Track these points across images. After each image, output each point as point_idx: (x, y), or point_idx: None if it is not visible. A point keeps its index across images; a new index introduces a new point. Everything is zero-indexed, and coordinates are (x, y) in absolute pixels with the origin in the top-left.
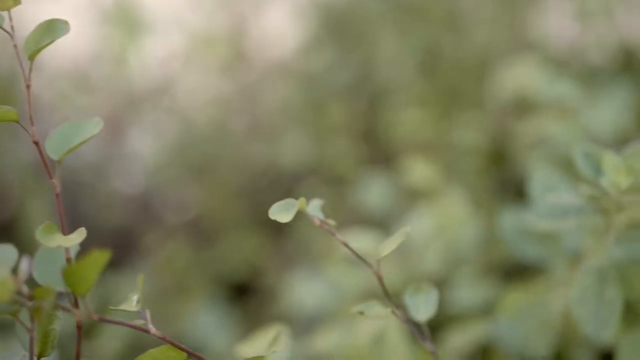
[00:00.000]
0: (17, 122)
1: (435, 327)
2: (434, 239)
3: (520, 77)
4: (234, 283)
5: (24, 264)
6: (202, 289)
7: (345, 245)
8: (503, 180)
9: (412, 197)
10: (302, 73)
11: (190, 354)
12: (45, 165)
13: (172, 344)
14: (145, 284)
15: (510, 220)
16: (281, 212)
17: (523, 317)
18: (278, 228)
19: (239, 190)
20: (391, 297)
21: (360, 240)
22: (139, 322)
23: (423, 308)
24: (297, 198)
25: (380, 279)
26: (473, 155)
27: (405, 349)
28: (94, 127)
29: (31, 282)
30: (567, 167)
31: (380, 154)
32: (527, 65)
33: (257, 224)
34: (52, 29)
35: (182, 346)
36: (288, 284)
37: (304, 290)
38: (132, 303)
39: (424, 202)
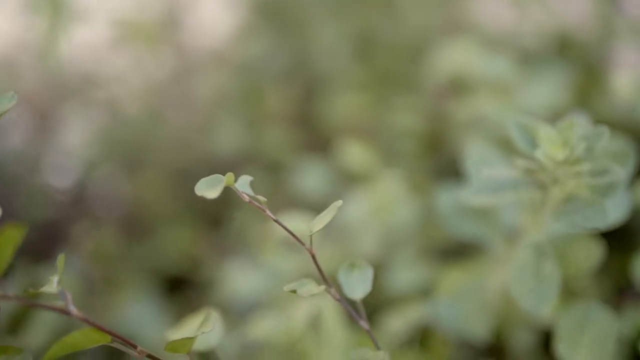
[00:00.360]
0: None
1: (374, 311)
2: (371, 221)
3: (456, 57)
4: (170, 276)
5: None
6: (135, 282)
7: (277, 221)
8: (440, 161)
9: (350, 181)
10: (236, 60)
11: (115, 337)
12: None
13: (95, 325)
14: (74, 276)
15: (446, 198)
16: (207, 188)
17: (461, 297)
18: (215, 219)
19: (174, 181)
20: (325, 276)
21: (295, 222)
22: (59, 304)
23: (358, 286)
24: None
25: (313, 256)
26: (409, 138)
27: (341, 333)
28: (9, 100)
29: None
30: (502, 144)
31: (317, 139)
32: (462, 46)
33: (193, 215)
34: None
35: (106, 328)
36: (225, 274)
37: (239, 279)
38: (52, 285)
39: (360, 186)
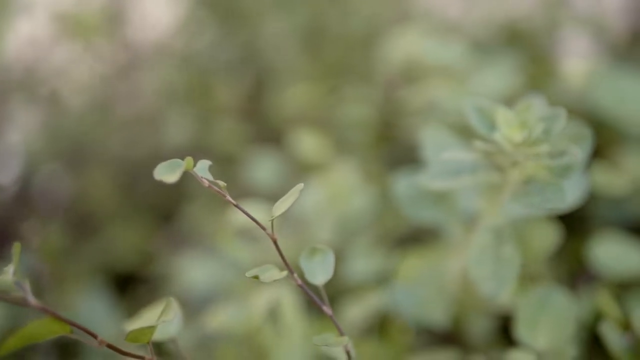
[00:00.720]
0: None
1: (332, 299)
2: (327, 211)
3: (408, 46)
4: (120, 272)
5: None
6: (85, 279)
7: (237, 207)
8: (393, 149)
9: (303, 172)
10: (182, 53)
11: (73, 326)
12: None
13: (54, 315)
14: (23, 273)
15: (404, 184)
16: (166, 172)
17: (419, 284)
18: (166, 213)
19: (123, 176)
20: (287, 261)
21: (253, 211)
22: (17, 295)
23: (320, 271)
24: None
25: (275, 241)
26: (361, 127)
27: (300, 322)
28: None
29: None
30: (457, 130)
31: (268, 132)
32: (414, 34)
33: (144, 210)
34: None
35: (65, 318)
36: (179, 267)
37: (195, 271)
38: (8, 275)
39: (314, 176)
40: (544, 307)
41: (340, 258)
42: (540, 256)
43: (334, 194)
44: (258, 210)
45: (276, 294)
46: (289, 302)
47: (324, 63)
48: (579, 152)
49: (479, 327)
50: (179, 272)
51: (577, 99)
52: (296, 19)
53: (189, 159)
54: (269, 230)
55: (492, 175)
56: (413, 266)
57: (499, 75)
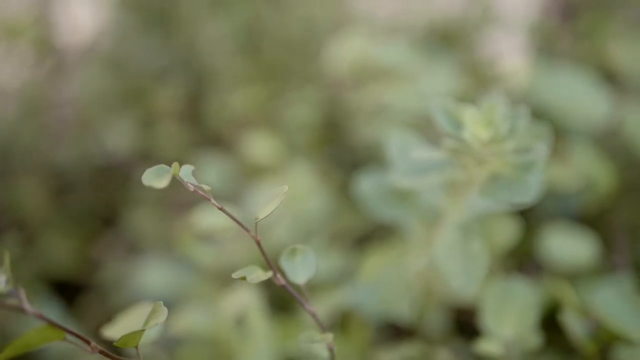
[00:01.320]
0: None
1: (292, 299)
2: (283, 213)
3: (356, 47)
4: (61, 280)
5: None
6: (29, 289)
7: (222, 209)
8: (340, 150)
9: (252, 175)
10: (114, 58)
11: (69, 333)
12: None
13: (51, 322)
14: None
15: (368, 183)
16: (155, 178)
17: (383, 281)
18: (106, 219)
19: (56, 184)
20: (270, 261)
21: (214, 216)
22: (13, 302)
23: (301, 270)
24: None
25: (258, 242)
26: (306, 129)
27: (265, 325)
28: None
29: None
30: (415, 129)
31: (211, 135)
32: (361, 36)
33: (82, 217)
34: None
35: (61, 325)
36: (131, 273)
37: (150, 276)
38: (0, 284)
39: (267, 178)
40: (509, 298)
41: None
42: (503, 250)
43: (290, 195)
44: (217, 215)
45: (241, 297)
46: (254, 305)
47: (263, 65)
48: (543, 148)
49: (437, 321)
50: (132, 278)
51: (520, 96)
52: (234, 21)
53: (176, 165)
54: (253, 232)
55: (458, 173)
56: (376, 264)
57: (444, 76)
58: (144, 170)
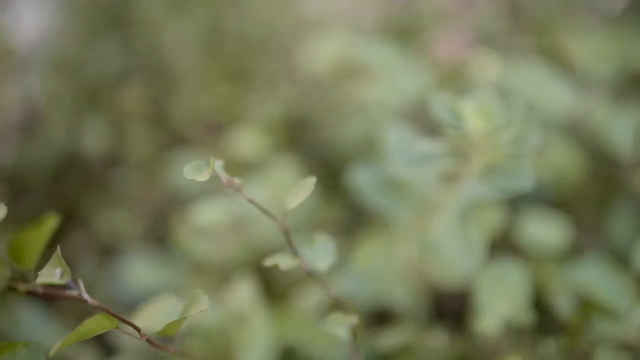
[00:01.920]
0: None
1: (286, 290)
2: (270, 208)
3: (334, 46)
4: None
5: None
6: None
7: (251, 201)
8: (314, 146)
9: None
10: (72, 62)
11: (122, 321)
12: None
13: (107, 311)
14: None
15: (365, 175)
16: (196, 173)
17: (376, 269)
18: (74, 220)
19: (20, 187)
20: (296, 250)
21: (213, 211)
22: (74, 293)
23: (322, 257)
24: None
25: (286, 232)
26: (280, 126)
27: (263, 316)
28: None
29: None
30: (398, 123)
31: (176, 137)
32: (338, 35)
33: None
34: None
35: (115, 313)
36: (110, 272)
37: (139, 272)
38: (55, 277)
39: (250, 174)
40: (503, 278)
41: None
42: (494, 235)
43: (277, 191)
44: (217, 210)
45: (244, 289)
46: (254, 296)
47: (226, 66)
48: (537, 138)
49: (423, 306)
50: (113, 276)
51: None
52: (196, 23)
53: (213, 159)
54: (281, 220)
55: (456, 163)
56: (368, 253)
57: (416, 72)
58: (115, 171)
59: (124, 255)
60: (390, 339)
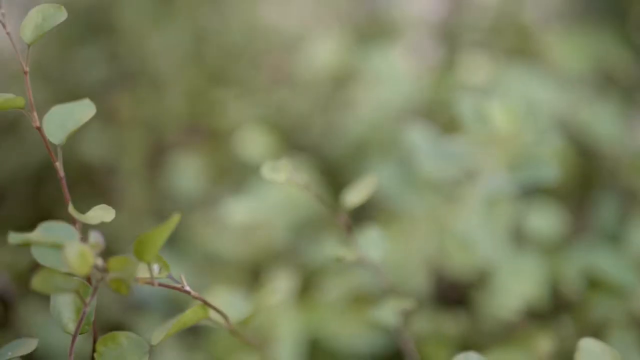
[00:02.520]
0: (23, 108)
1: (307, 281)
2: (283, 208)
3: (332, 50)
4: None
5: (97, 237)
6: None
7: (318, 197)
8: (312, 148)
9: (222, 176)
10: (51, 70)
11: (215, 311)
12: (49, 150)
13: (205, 302)
14: None
15: (388, 173)
16: (275, 173)
17: (394, 260)
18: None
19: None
20: (354, 235)
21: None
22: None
23: (376, 247)
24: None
25: (349, 227)
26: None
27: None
28: (87, 108)
29: None
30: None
31: (162, 142)
32: (336, 39)
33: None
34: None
35: (211, 304)
36: None
37: None
38: (154, 271)
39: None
40: (522, 262)
41: (302, 249)
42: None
43: (287, 191)
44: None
45: (280, 282)
46: (287, 290)
47: (210, 72)
48: (557, 135)
49: (431, 293)
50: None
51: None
52: (178, 30)
53: (286, 161)
54: (344, 217)
55: (480, 159)
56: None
57: (410, 74)
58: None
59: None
60: (416, 324)
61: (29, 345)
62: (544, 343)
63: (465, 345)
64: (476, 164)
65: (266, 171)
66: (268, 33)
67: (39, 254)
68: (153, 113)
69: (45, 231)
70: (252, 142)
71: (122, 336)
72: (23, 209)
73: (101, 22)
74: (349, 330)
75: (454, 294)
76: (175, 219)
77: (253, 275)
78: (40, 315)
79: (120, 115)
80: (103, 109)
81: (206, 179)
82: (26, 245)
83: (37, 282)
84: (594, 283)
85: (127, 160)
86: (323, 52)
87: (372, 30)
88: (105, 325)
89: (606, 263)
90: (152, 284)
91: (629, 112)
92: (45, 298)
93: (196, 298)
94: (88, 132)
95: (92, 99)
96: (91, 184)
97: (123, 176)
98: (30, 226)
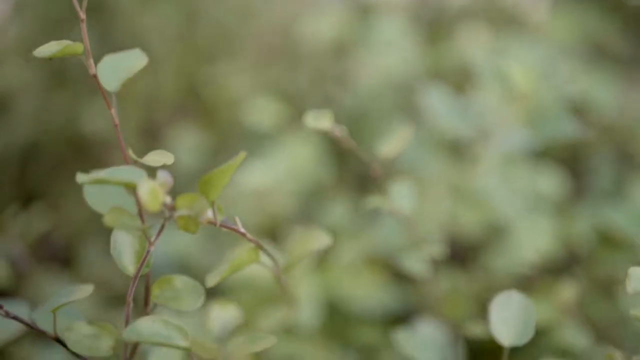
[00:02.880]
0: (81, 55)
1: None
2: (293, 175)
3: (336, 21)
4: None
5: (165, 176)
6: None
7: (355, 147)
8: None
9: (222, 149)
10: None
11: (266, 254)
12: (105, 97)
13: (259, 245)
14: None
15: None
16: (317, 119)
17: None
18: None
19: None
20: (387, 193)
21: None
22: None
23: (407, 198)
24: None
25: (381, 178)
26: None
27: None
28: (138, 58)
29: None
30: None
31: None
32: (338, 14)
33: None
34: None
35: (261, 244)
36: None
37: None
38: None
39: (267, 144)
40: (537, 220)
41: (313, 215)
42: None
43: (296, 163)
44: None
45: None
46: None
47: (203, 49)
48: (575, 90)
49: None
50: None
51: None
52: (171, 9)
53: (328, 111)
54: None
55: (501, 116)
56: None
57: (413, 43)
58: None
59: None
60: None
61: (84, 290)
62: (567, 292)
63: (482, 302)
64: (493, 122)
65: (310, 120)
66: (261, 12)
67: (93, 199)
68: (147, 89)
69: (113, 173)
70: (261, 110)
71: (177, 279)
72: (9, 188)
73: (92, 1)
74: (363, 292)
75: (467, 253)
76: (241, 156)
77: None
78: (50, 285)
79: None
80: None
81: (206, 152)
82: (96, 183)
83: (109, 219)
84: (604, 238)
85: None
86: (324, 23)
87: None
88: (118, 295)
89: (615, 217)
90: (214, 223)
91: (622, 82)
92: (55, 268)
93: (251, 240)
94: (85, 108)
95: (84, 75)
96: (88, 159)
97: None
98: (20, 205)
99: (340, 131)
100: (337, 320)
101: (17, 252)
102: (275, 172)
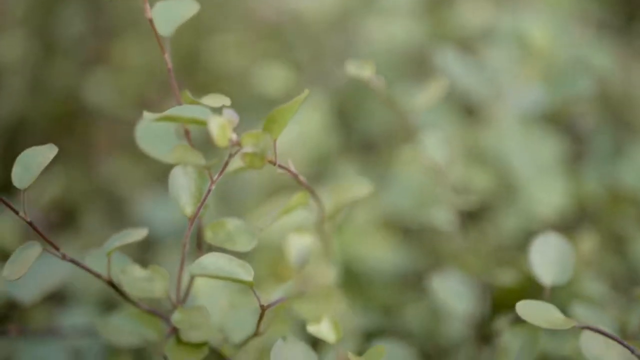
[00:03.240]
0: None
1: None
2: (298, 144)
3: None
4: None
5: (230, 114)
6: None
7: (390, 99)
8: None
9: None
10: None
11: (313, 197)
12: (159, 42)
13: (310, 190)
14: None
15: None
16: (359, 68)
17: (416, 184)
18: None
19: None
20: (420, 140)
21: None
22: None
23: (440, 149)
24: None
25: (412, 128)
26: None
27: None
28: (190, 5)
29: None
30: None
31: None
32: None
33: None
34: None
35: (309, 186)
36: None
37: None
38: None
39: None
40: (553, 176)
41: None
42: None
43: (306, 125)
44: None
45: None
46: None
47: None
48: (591, 49)
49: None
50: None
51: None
52: None
53: (369, 61)
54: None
55: (518, 74)
56: (407, 168)
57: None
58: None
59: (137, 199)
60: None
61: (138, 234)
62: (586, 244)
63: (500, 258)
64: (508, 81)
65: (352, 68)
66: None
67: (144, 143)
68: (145, 61)
69: (182, 110)
70: (271, 78)
71: (229, 223)
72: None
73: None
74: (376, 253)
75: (480, 214)
76: (304, 94)
77: None
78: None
79: (112, 62)
80: (95, 56)
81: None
82: (165, 121)
83: (175, 156)
84: (613, 196)
85: (124, 106)
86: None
87: None
88: None
89: (623, 174)
90: (274, 162)
91: (616, 51)
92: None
93: (303, 184)
94: (85, 78)
95: (82, 47)
96: (74, 135)
97: (120, 122)
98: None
99: (378, 81)
100: (351, 281)
101: (36, 216)
102: (288, 137)
